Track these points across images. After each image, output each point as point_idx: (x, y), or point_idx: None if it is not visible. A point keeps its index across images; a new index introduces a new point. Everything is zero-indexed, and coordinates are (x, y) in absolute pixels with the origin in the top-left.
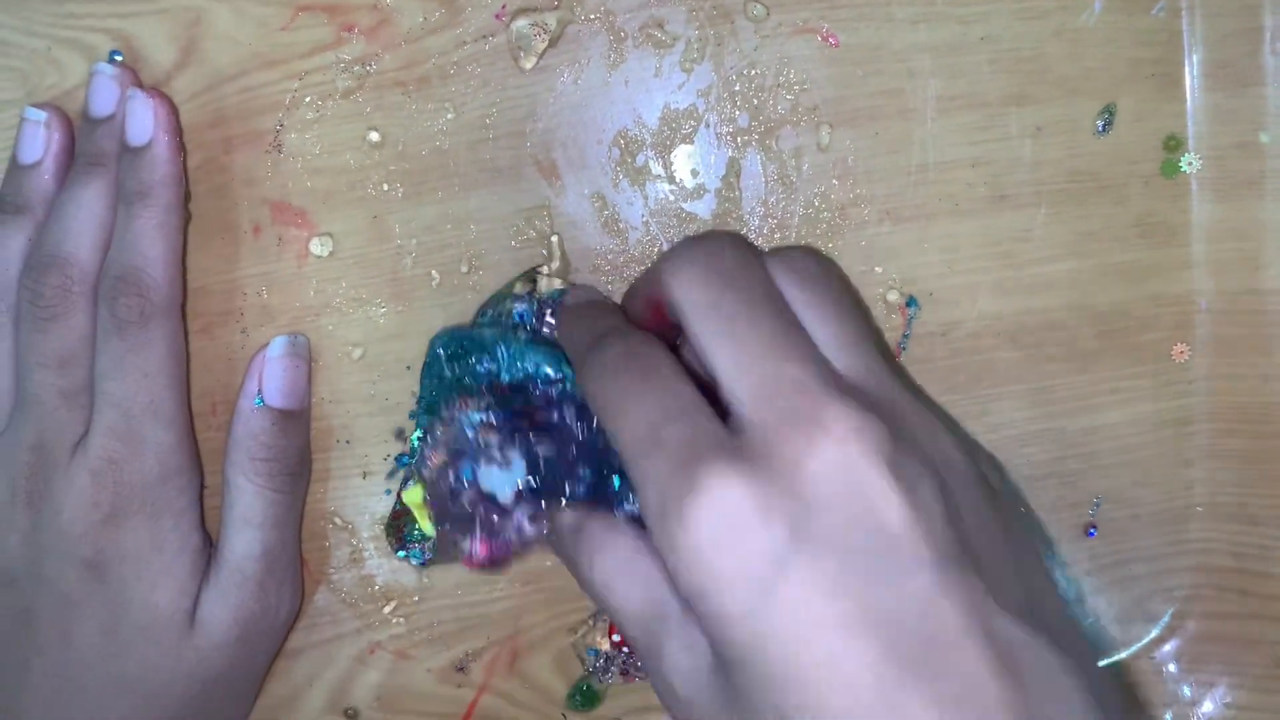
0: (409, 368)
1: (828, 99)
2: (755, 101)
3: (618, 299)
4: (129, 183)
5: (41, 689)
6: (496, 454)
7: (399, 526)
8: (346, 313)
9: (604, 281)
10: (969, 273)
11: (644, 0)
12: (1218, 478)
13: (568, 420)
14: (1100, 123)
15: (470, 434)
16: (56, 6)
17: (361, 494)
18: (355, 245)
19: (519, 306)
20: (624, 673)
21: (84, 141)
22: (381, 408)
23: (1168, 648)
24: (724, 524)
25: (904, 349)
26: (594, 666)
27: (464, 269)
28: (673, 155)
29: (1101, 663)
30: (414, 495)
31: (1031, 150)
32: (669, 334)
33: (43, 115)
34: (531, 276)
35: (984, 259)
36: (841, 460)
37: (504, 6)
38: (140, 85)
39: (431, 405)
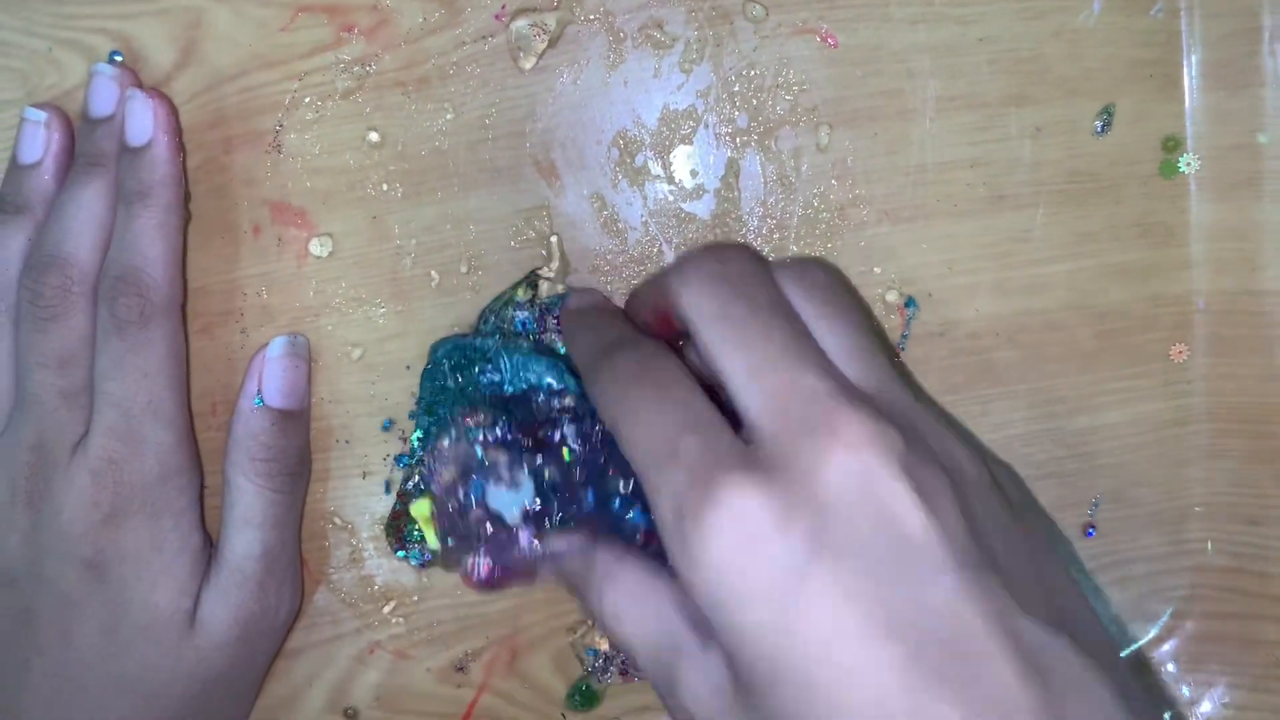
0: (408, 368)
1: (827, 99)
2: (754, 102)
3: (617, 299)
4: (129, 183)
5: (41, 689)
6: (505, 474)
7: (398, 526)
8: (346, 313)
9: (603, 282)
10: (968, 273)
11: (643, 1)
12: (1216, 478)
13: (571, 436)
14: (1099, 123)
15: (479, 452)
16: (57, 7)
17: (361, 494)
18: (355, 245)
19: (521, 314)
20: (623, 672)
21: (84, 142)
22: (381, 408)
23: (1166, 647)
24: (742, 535)
25: (903, 349)
26: (593, 666)
27: (463, 269)
28: (672, 156)
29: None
30: (421, 509)
31: (1030, 151)
32: (673, 339)
33: (43, 115)
34: (533, 281)
35: (983, 259)
36: (858, 468)
37: (503, 7)
38: (140, 86)
39: (431, 407)
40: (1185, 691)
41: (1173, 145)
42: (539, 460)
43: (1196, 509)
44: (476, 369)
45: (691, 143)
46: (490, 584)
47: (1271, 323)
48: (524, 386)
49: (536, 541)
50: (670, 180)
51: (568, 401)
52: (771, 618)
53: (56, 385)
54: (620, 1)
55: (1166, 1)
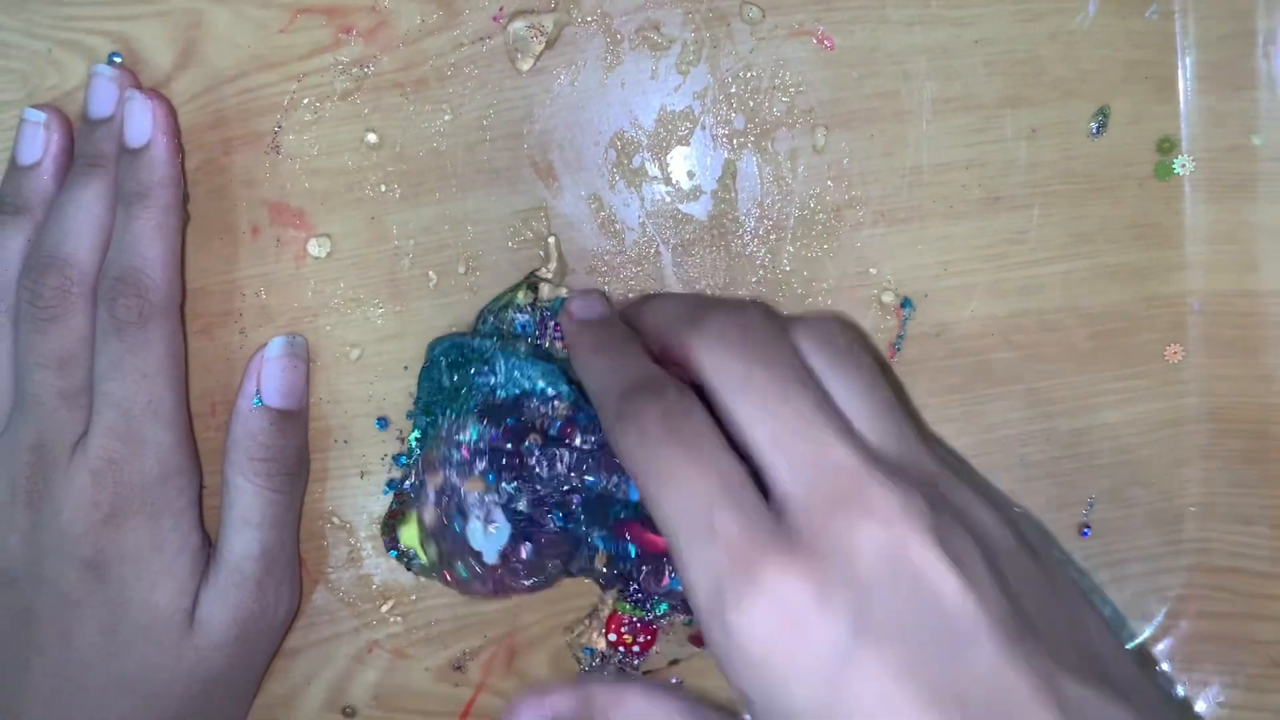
0: (406, 368)
1: (823, 101)
2: (751, 103)
3: (616, 299)
4: (128, 184)
5: (42, 689)
6: (484, 515)
7: (394, 526)
8: (344, 313)
9: (601, 282)
10: (964, 274)
11: (640, 3)
12: (1212, 478)
13: (560, 461)
14: (1094, 125)
15: (461, 487)
16: (57, 9)
17: (359, 494)
18: (353, 246)
19: (521, 317)
20: (620, 672)
21: (83, 143)
22: (379, 408)
23: (1162, 647)
24: (786, 618)
25: (899, 350)
26: (590, 665)
27: (461, 270)
28: (669, 157)
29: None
30: (410, 536)
31: (1026, 152)
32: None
33: (42, 116)
34: (533, 284)
35: (979, 260)
36: (891, 542)
37: (501, 9)
38: (139, 87)
39: (428, 406)
40: (1180, 691)
41: (1168, 147)
42: (515, 489)
43: (1192, 509)
44: (472, 369)
45: (688, 144)
46: (485, 596)
47: (1266, 323)
48: (517, 391)
49: (519, 574)
50: (667, 181)
51: (561, 409)
52: (819, 697)
53: (56, 386)
54: (617, 3)
55: (1161, 4)
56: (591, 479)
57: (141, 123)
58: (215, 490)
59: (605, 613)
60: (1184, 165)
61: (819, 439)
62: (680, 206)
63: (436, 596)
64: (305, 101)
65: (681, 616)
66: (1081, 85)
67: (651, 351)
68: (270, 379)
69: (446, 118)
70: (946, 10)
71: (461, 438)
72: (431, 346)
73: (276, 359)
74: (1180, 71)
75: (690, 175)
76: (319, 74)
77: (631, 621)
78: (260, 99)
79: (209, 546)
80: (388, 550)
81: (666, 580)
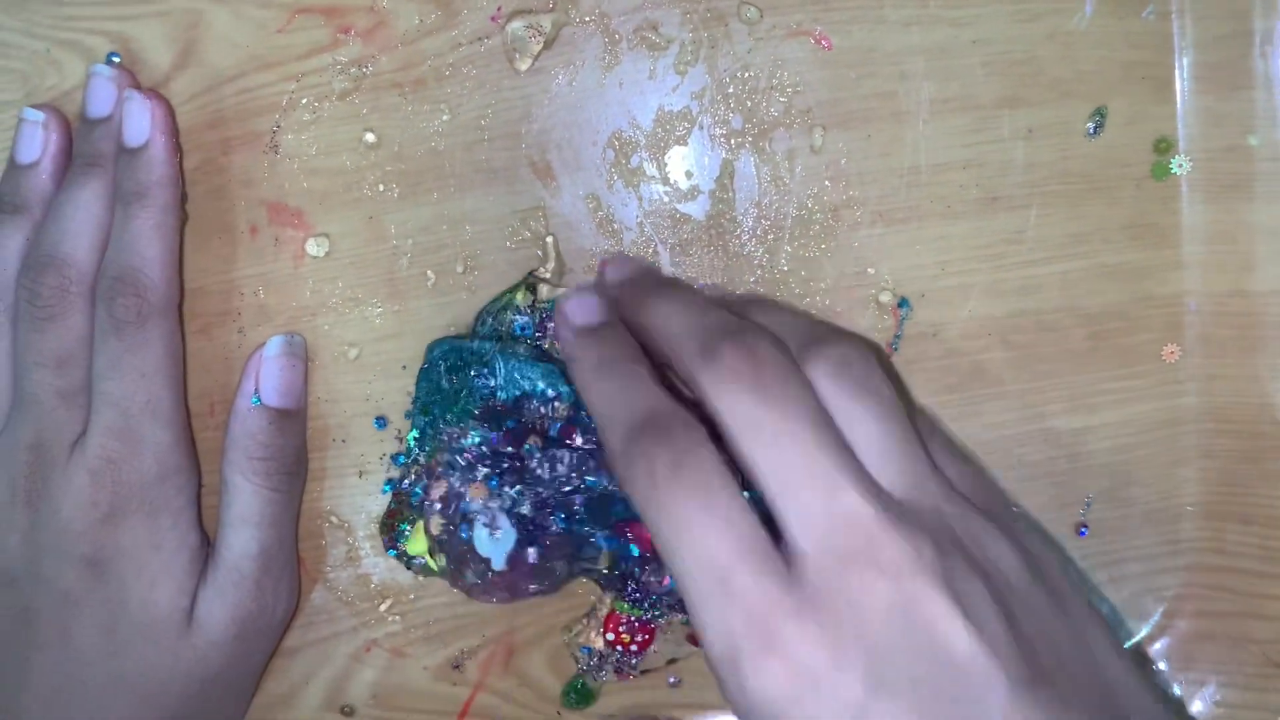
0: (405, 367)
1: (821, 101)
2: (749, 104)
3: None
4: (126, 183)
5: (41, 688)
6: (489, 521)
7: (393, 525)
8: (342, 313)
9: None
10: (961, 274)
11: (638, 3)
12: (1209, 477)
13: (561, 462)
14: (1091, 125)
15: (465, 495)
16: (56, 9)
17: (357, 493)
18: (351, 246)
19: (520, 319)
20: (618, 671)
21: (82, 142)
22: (378, 407)
23: (1158, 646)
24: (802, 680)
25: (896, 350)
26: (588, 664)
27: (459, 269)
28: (667, 157)
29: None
30: (418, 545)
31: (1023, 152)
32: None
33: (41, 116)
34: (532, 285)
35: (976, 260)
36: (901, 597)
37: (499, 9)
38: (138, 87)
39: (426, 407)
40: (1177, 690)
41: (1165, 147)
42: (521, 496)
43: (1189, 508)
44: (472, 372)
45: (686, 144)
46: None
47: (1263, 323)
48: (517, 393)
49: (527, 579)
50: (665, 181)
51: (562, 409)
52: None
53: (54, 385)
54: (615, 3)
55: (1158, 4)
56: (592, 479)
57: (140, 122)
58: (213, 489)
59: (603, 612)
60: (1181, 165)
61: (829, 488)
62: (678, 206)
63: (434, 596)
64: (304, 101)
65: (679, 615)
66: (1079, 85)
67: (654, 360)
68: (269, 378)
69: (445, 117)
70: (944, 11)
71: (462, 443)
72: (430, 348)
73: (275, 358)
74: (1177, 72)
75: (688, 175)
76: (317, 74)
77: (629, 621)
78: (259, 99)
79: (207, 546)
80: (386, 550)
81: (667, 580)
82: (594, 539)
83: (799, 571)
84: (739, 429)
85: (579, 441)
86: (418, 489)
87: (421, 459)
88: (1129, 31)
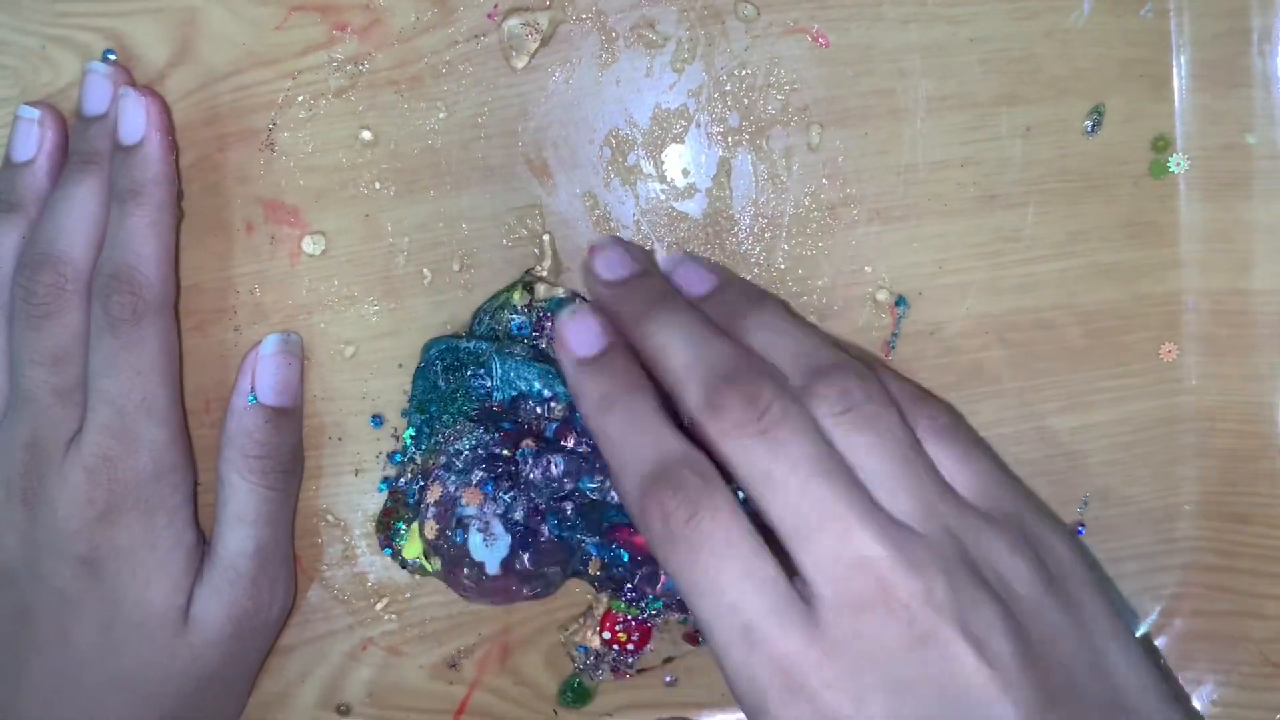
0: (401, 365)
1: (818, 99)
2: (746, 101)
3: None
4: (121, 181)
5: (40, 687)
6: (483, 526)
7: (388, 524)
8: (339, 310)
9: None
10: (958, 272)
11: (635, 0)
12: (1205, 476)
13: (554, 466)
14: (1089, 123)
15: (460, 499)
16: (50, 5)
17: (354, 491)
18: (348, 243)
19: (516, 318)
20: (614, 670)
21: (77, 140)
22: (374, 405)
23: (1156, 645)
24: None
25: (893, 348)
26: (584, 663)
27: (456, 267)
28: (664, 155)
29: None
30: (413, 548)
31: (1021, 150)
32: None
33: (36, 113)
34: (528, 283)
35: (973, 258)
36: (916, 637)
37: (496, 6)
38: (133, 84)
39: (423, 405)
40: None
41: (1162, 145)
42: (512, 498)
43: (1186, 507)
44: (468, 372)
45: (683, 142)
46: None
47: (1260, 322)
48: (513, 394)
49: (522, 584)
50: (662, 179)
51: (558, 410)
52: None
53: (50, 383)
54: (612, 1)
55: (1156, 2)
56: (585, 483)
57: (135, 120)
58: (210, 487)
59: (599, 611)
60: (1179, 163)
61: (839, 531)
62: (675, 204)
63: (431, 594)
64: (300, 99)
65: (676, 615)
66: (1076, 83)
67: (663, 393)
68: (265, 376)
69: (441, 115)
70: (942, 8)
71: (458, 446)
72: (427, 347)
73: (271, 356)
74: (1175, 70)
75: (685, 173)
76: (313, 71)
77: (626, 620)
78: (255, 96)
79: (203, 544)
80: (382, 548)
81: (661, 583)
82: (585, 545)
83: (818, 614)
84: (748, 479)
85: (574, 444)
86: (414, 488)
87: (418, 457)
88: (1127, 29)
